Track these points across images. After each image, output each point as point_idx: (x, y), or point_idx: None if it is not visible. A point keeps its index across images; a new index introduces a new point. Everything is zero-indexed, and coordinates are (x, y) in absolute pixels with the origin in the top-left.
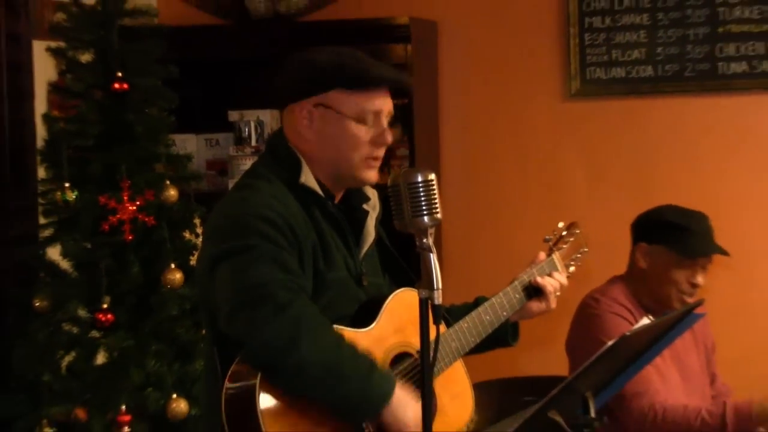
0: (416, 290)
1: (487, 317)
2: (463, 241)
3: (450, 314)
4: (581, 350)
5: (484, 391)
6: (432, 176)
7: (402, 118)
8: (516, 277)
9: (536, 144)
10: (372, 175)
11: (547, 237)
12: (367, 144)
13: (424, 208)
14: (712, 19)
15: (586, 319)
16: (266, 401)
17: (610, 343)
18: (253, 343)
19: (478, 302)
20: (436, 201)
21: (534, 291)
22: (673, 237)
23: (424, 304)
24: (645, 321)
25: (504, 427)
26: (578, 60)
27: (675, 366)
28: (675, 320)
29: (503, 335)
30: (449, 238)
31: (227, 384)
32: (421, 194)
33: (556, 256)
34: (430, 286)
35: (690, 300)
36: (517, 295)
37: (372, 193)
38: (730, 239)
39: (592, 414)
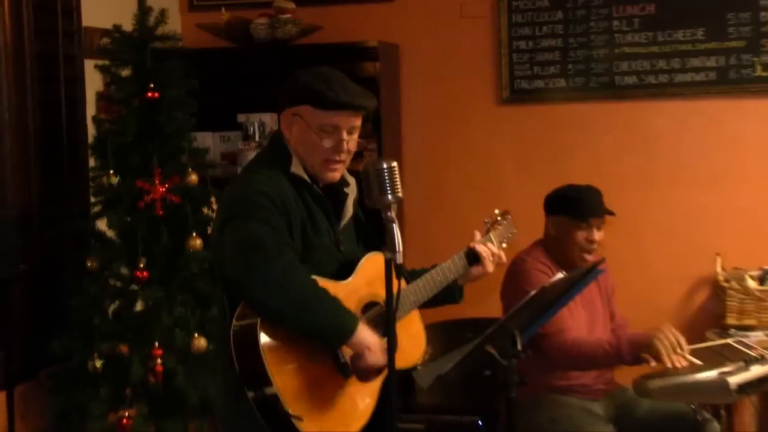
0: (383, 253)
1: (438, 278)
2: (420, 215)
3: (411, 275)
4: (511, 298)
5: (436, 330)
6: (394, 164)
7: (372, 119)
8: (462, 249)
9: (476, 139)
10: (330, 175)
11: (486, 219)
12: (326, 150)
13: (388, 188)
14: (610, 43)
15: (515, 274)
16: (266, 336)
17: (533, 292)
18: (249, 284)
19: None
20: (398, 183)
21: (475, 259)
22: (570, 206)
23: (388, 263)
24: (559, 275)
25: (452, 358)
26: (508, 74)
27: (583, 309)
28: (583, 274)
29: (452, 294)
30: (409, 213)
31: (234, 322)
32: (386, 178)
33: (492, 234)
34: (393, 250)
35: (590, 255)
36: (461, 262)
37: (351, 180)
38: (624, 210)
39: (519, 347)
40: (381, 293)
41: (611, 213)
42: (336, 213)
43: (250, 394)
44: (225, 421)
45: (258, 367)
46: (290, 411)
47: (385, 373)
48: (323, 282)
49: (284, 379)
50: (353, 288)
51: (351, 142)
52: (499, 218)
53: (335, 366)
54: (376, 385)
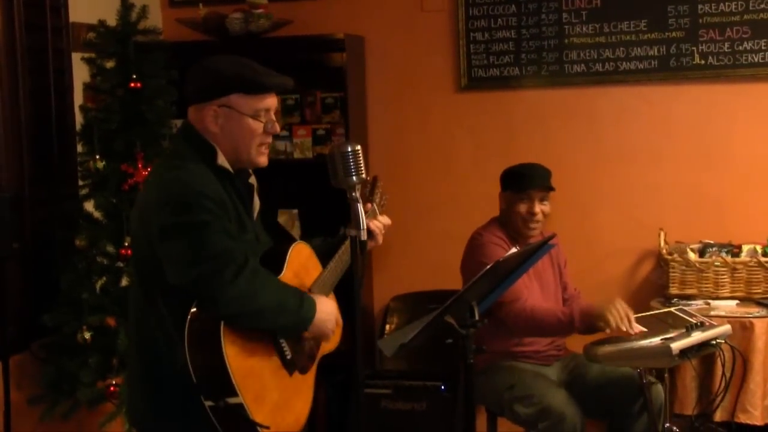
0: (303, 243)
1: (345, 257)
2: (385, 193)
3: (320, 247)
4: (470, 271)
5: (401, 301)
6: (359, 147)
7: (340, 106)
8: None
9: (436, 124)
10: (264, 159)
11: (365, 189)
12: (262, 135)
13: (353, 170)
14: (560, 34)
15: (473, 248)
16: (229, 343)
17: (489, 265)
18: (223, 298)
19: (336, 239)
20: (362, 165)
21: (368, 234)
22: (512, 181)
23: (353, 240)
24: (514, 250)
25: (414, 328)
26: (466, 63)
27: (536, 281)
28: (535, 248)
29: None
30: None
31: (190, 328)
32: (351, 160)
33: (375, 206)
34: (357, 227)
35: (534, 225)
36: None
37: (250, 171)
38: (574, 188)
39: (476, 317)
40: (307, 283)
41: (551, 188)
42: (249, 205)
43: (209, 404)
44: (145, 423)
45: (221, 376)
46: (257, 420)
47: (316, 363)
48: None
49: (247, 387)
50: (291, 279)
51: (276, 123)
52: (372, 187)
53: (282, 364)
54: (311, 377)
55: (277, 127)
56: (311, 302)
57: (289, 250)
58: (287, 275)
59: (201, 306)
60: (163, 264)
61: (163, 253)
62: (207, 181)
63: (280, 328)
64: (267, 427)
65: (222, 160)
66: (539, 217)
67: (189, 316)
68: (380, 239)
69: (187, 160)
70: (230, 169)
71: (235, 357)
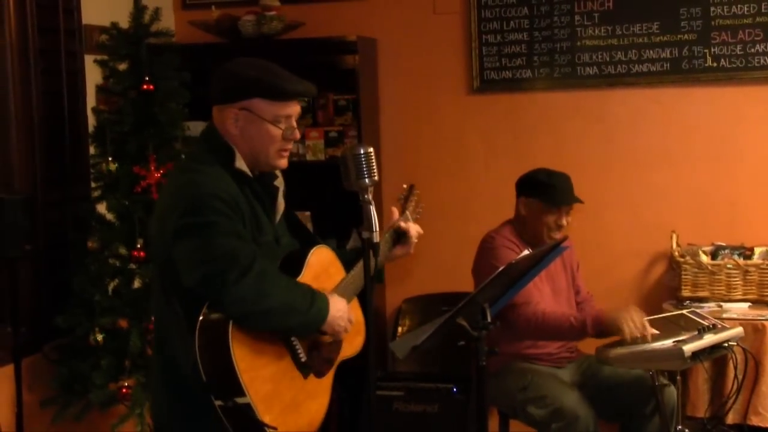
0: (325, 247)
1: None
2: (397, 197)
3: (346, 254)
4: (481, 273)
5: (413, 303)
6: (371, 149)
7: (352, 108)
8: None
9: (448, 126)
10: (283, 162)
11: (400, 196)
12: (280, 140)
13: (365, 172)
14: (572, 37)
15: (486, 251)
16: (237, 344)
17: (501, 268)
18: (228, 299)
19: (356, 248)
20: (374, 167)
21: (398, 239)
22: (543, 192)
23: (366, 242)
24: (526, 252)
25: (426, 330)
26: (478, 66)
27: (548, 284)
28: (547, 251)
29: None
30: (386, 195)
31: (201, 330)
32: (363, 163)
33: (408, 212)
34: (370, 229)
35: (557, 235)
36: (387, 246)
37: (278, 173)
38: (586, 191)
39: (489, 319)
40: (327, 287)
41: (580, 201)
42: (271, 208)
43: (218, 403)
44: (165, 423)
45: (230, 377)
46: (264, 421)
47: (334, 367)
48: None
49: (256, 388)
50: (309, 281)
51: (298, 130)
52: (408, 194)
53: (296, 366)
54: (328, 381)
55: (297, 134)
56: (324, 300)
57: (309, 253)
58: (306, 278)
59: (211, 307)
60: (177, 266)
61: (175, 254)
62: (220, 183)
63: (291, 328)
64: (274, 428)
65: (240, 163)
66: (564, 228)
67: (200, 317)
68: (412, 249)
69: (203, 163)
70: (248, 171)
71: (243, 358)
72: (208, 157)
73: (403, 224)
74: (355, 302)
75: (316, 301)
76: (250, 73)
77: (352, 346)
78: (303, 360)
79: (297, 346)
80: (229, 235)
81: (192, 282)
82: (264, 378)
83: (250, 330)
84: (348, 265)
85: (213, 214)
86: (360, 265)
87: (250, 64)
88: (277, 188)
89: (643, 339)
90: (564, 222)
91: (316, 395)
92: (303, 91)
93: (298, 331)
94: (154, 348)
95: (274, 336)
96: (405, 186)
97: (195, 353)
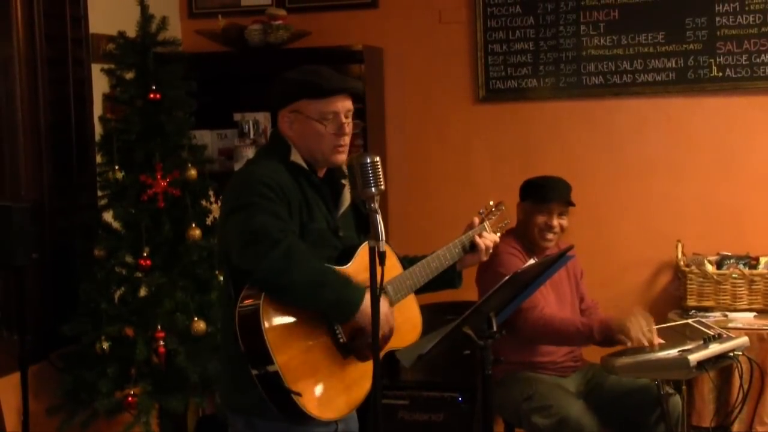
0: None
1: (434, 264)
2: (403, 206)
3: (409, 262)
4: (486, 282)
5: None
6: (377, 159)
7: (359, 117)
8: (458, 237)
9: (454, 136)
10: (339, 158)
11: (481, 210)
12: (331, 136)
13: (371, 181)
14: (578, 46)
15: (490, 259)
16: (268, 317)
17: (507, 276)
18: (257, 270)
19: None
20: (381, 177)
21: (471, 247)
22: (533, 192)
23: (371, 251)
24: (531, 261)
25: (432, 339)
26: (484, 75)
27: (553, 292)
28: (553, 260)
29: (451, 280)
30: (393, 203)
31: (239, 305)
32: (369, 172)
33: (486, 224)
34: (376, 238)
35: (549, 237)
36: (456, 250)
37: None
38: (591, 200)
39: (494, 328)
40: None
41: (571, 204)
42: (334, 201)
43: (254, 372)
44: (226, 394)
45: (261, 346)
46: (291, 387)
47: (381, 356)
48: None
49: (285, 358)
50: (352, 273)
51: (348, 125)
52: (493, 209)
53: (335, 346)
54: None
55: (346, 128)
56: (358, 291)
57: (360, 247)
58: (356, 268)
59: (251, 282)
60: (228, 246)
61: (224, 234)
62: (271, 172)
63: (319, 308)
64: (298, 394)
65: (295, 157)
66: (556, 230)
67: (242, 292)
68: (484, 256)
69: (262, 157)
70: (304, 165)
71: (273, 329)
72: (268, 153)
73: (477, 238)
74: (412, 299)
75: (350, 288)
76: (295, 77)
77: (403, 340)
78: (342, 341)
79: (337, 328)
80: (266, 212)
81: (235, 258)
82: (294, 350)
83: (284, 305)
84: (409, 265)
85: (254, 195)
86: (421, 263)
87: (298, 70)
88: (343, 185)
89: (650, 346)
90: (555, 222)
91: (358, 378)
92: (343, 87)
93: (328, 312)
94: (221, 328)
95: (315, 316)
96: (491, 203)
97: (235, 325)
